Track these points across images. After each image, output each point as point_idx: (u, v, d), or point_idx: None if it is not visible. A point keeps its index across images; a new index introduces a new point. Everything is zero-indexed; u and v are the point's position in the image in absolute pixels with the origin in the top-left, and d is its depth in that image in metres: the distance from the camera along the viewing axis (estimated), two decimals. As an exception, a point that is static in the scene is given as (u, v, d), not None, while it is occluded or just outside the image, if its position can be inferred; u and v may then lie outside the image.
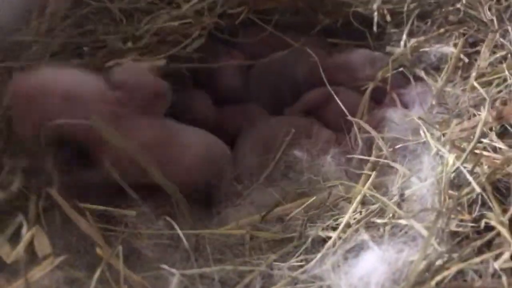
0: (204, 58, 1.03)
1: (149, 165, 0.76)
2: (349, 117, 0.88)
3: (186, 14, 1.04)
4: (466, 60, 0.99)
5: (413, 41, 1.05)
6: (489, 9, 1.02)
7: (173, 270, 0.64)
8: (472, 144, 0.71)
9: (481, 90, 0.84)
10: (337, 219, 0.72)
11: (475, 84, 0.87)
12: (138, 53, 0.96)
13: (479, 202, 0.66)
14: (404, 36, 1.07)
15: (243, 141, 0.97)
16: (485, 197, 0.66)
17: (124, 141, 0.76)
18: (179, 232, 0.69)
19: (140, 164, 0.75)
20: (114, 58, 0.93)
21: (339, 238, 0.67)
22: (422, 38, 1.05)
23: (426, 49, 1.02)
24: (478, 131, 0.72)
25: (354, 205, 0.71)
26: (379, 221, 0.68)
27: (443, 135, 0.76)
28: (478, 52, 0.99)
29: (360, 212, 0.71)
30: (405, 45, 1.05)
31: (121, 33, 0.99)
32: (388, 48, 1.08)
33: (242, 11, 1.09)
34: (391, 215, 0.67)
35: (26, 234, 0.67)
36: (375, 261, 0.58)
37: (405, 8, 1.08)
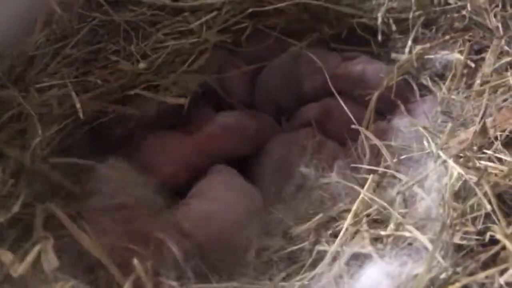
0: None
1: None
2: (356, 126, 0.88)
3: (194, 30, 1.04)
4: (473, 65, 0.98)
5: (418, 47, 1.05)
6: (495, 16, 1.01)
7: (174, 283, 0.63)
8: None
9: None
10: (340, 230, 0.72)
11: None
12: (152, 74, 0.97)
13: (483, 214, 0.65)
14: (409, 43, 1.06)
15: (259, 168, 0.96)
16: (490, 208, 0.66)
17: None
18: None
19: None
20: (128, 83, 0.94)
21: (336, 251, 0.67)
22: (427, 45, 1.05)
23: (431, 56, 1.01)
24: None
25: (354, 207, 0.70)
26: (382, 232, 0.67)
27: (446, 144, 0.76)
28: (483, 59, 0.99)
29: (362, 218, 0.71)
30: (410, 52, 1.05)
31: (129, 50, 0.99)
32: (393, 55, 1.08)
33: (247, 26, 1.09)
34: (393, 225, 0.67)
35: (34, 248, 0.67)
36: (378, 275, 0.58)
37: (410, 16, 1.08)
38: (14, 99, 0.87)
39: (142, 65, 0.96)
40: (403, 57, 1.04)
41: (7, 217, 0.72)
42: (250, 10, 1.09)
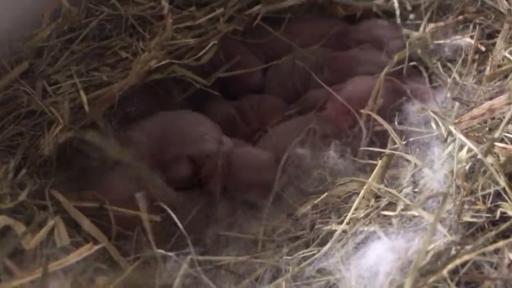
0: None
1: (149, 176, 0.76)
2: (362, 111, 0.87)
3: (201, 24, 1.04)
4: (483, 49, 0.96)
5: (432, 25, 1.03)
6: (506, -1, 0.99)
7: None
8: (499, 130, 0.68)
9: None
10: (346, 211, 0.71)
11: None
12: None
13: (493, 191, 0.63)
14: (424, 22, 1.05)
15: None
16: (501, 185, 0.64)
17: (122, 153, 0.77)
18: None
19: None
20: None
21: (344, 231, 0.66)
22: (441, 23, 1.03)
23: (441, 41, 1.00)
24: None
25: (358, 200, 0.70)
26: (389, 213, 0.66)
27: (455, 124, 0.74)
28: (495, 44, 0.97)
29: (371, 205, 0.70)
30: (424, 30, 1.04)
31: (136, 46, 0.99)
32: (406, 31, 1.06)
33: (257, 13, 1.09)
34: (401, 207, 0.66)
35: (48, 223, 0.67)
36: (383, 250, 0.57)
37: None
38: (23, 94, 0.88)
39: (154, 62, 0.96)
40: (416, 33, 1.03)
41: (16, 203, 0.72)
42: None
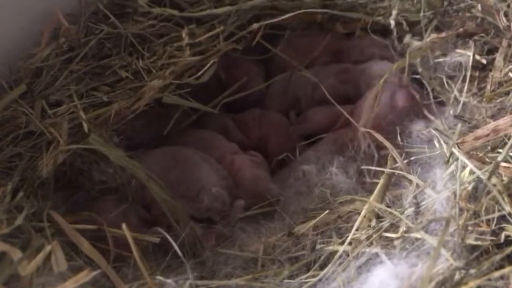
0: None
1: (156, 185, 0.76)
2: (364, 129, 0.86)
3: (201, 41, 1.04)
4: (484, 61, 0.96)
5: (433, 35, 1.02)
6: (505, 15, 0.99)
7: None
8: (503, 153, 0.67)
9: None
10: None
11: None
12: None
13: (497, 214, 0.62)
14: (426, 35, 1.04)
15: None
16: (507, 210, 0.63)
17: (127, 160, 0.76)
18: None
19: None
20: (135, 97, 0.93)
21: (346, 253, 0.64)
22: (442, 34, 1.02)
23: (441, 59, 0.99)
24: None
25: (359, 219, 0.68)
26: (390, 235, 0.65)
27: (458, 145, 0.73)
28: (494, 60, 0.96)
29: (373, 226, 0.69)
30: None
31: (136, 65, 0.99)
32: (406, 39, 1.06)
33: (257, 30, 1.08)
34: (403, 228, 0.65)
35: (45, 248, 0.66)
36: (386, 276, 0.56)
37: (421, 14, 1.06)
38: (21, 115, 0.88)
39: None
40: (417, 42, 1.02)
41: (12, 228, 0.71)
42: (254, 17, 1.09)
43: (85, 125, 0.87)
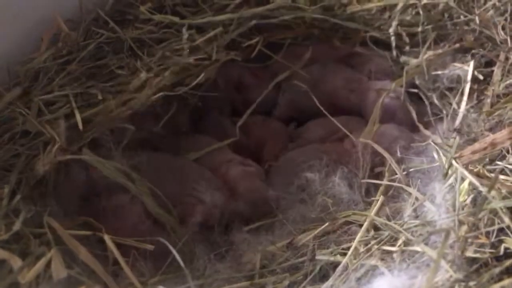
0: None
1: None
2: (363, 140, 0.86)
3: (201, 47, 1.04)
4: (481, 77, 0.96)
5: (429, 53, 1.03)
6: (503, 29, 1.00)
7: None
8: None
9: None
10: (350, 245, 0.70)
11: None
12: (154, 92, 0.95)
13: (496, 225, 0.63)
14: (423, 50, 1.05)
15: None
16: (506, 222, 0.63)
17: (119, 175, 0.76)
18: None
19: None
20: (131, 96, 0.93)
21: (346, 266, 0.64)
22: (439, 50, 1.04)
23: (439, 72, 1.00)
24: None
25: (361, 233, 0.69)
26: (390, 248, 0.65)
27: (456, 159, 0.73)
28: (493, 72, 0.97)
29: (373, 236, 0.69)
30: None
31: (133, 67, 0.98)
32: (403, 58, 1.07)
33: (256, 42, 1.09)
34: (402, 241, 0.65)
35: (45, 255, 0.66)
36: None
37: (419, 29, 1.07)
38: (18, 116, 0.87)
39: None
40: (414, 60, 1.03)
41: (10, 234, 0.71)
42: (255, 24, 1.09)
43: (79, 124, 0.86)
